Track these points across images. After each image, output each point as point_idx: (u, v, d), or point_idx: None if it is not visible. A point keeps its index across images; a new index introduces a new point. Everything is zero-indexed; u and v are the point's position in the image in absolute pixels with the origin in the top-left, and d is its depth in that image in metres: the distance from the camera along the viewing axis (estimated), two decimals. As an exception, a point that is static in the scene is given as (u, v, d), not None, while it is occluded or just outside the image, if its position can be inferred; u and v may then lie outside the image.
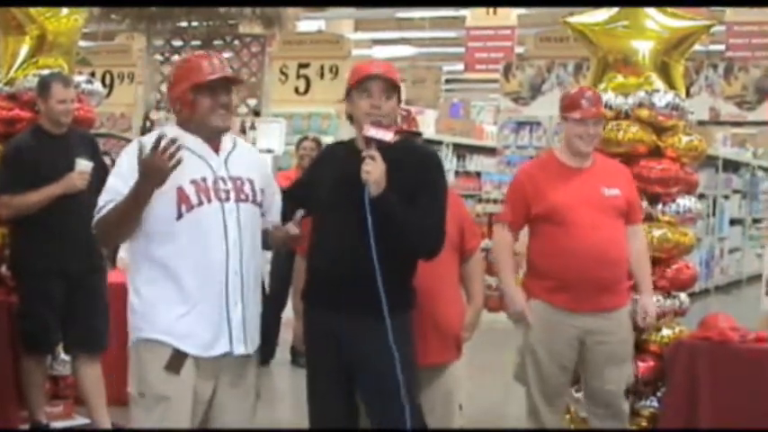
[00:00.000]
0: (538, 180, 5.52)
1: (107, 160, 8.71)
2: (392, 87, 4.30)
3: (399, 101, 4.37)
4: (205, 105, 4.13)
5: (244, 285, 4.17)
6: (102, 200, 4.10)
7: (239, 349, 4.17)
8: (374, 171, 4.09)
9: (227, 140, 4.25)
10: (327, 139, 11.76)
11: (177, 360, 4.05)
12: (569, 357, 5.44)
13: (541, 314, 5.45)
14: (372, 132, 4.18)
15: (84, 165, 6.11)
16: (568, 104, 5.50)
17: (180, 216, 4.04)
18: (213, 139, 4.19)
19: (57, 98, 6.13)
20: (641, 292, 5.59)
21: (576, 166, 5.47)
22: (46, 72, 6.58)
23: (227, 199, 4.12)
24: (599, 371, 5.45)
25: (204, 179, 4.10)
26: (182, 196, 4.04)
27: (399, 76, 4.37)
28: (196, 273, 4.06)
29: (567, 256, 5.32)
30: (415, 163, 4.27)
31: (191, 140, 4.13)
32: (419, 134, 5.19)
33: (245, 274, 4.17)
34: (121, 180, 4.03)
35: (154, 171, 3.87)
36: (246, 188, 4.20)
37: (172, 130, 4.16)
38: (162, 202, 4.01)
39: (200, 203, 4.06)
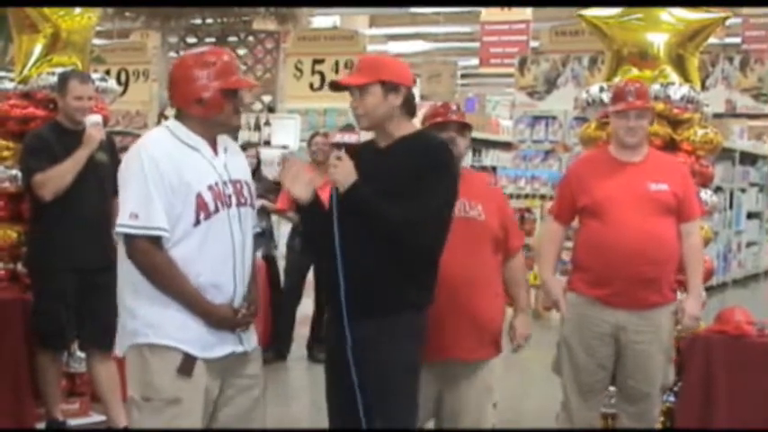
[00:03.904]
0: (585, 173, 5.53)
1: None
2: (366, 85, 4.29)
3: (389, 95, 4.27)
4: (230, 107, 4.13)
5: (246, 287, 4.19)
6: (150, 220, 3.97)
7: (244, 347, 4.19)
8: (336, 171, 4.09)
9: (219, 140, 4.22)
10: (342, 135, 11.75)
11: (188, 363, 4.02)
12: (605, 354, 5.39)
13: (576, 307, 5.45)
14: (338, 138, 4.29)
15: (93, 118, 6.14)
16: (613, 96, 5.55)
17: (197, 223, 4.02)
18: (213, 139, 4.17)
19: (73, 94, 6.14)
20: (687, 293, 5.47)
21: (624, 159, 5.42)
22: (60, 70, 6.60)
23: (230, 204, 4.11)
24: (631, 369, 5.39)
25: (217, 184, 4.09)
26: (200, 203, 4.02)
27: (379, 72, 4.29)
28: (205, 277, 4.05)
29: (605, 250, 5.29)
30: (417, 152, 4.25)
31: (197, 141, 4.12)
32: (468, 126, 5.00)
33: (247, 276, 4.19)
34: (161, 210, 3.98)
35: (223, 322, 4.07)
36: (245, 191, 4.20)
37: (179, 129, 4.13)
38: (183, 208, 3.99)
39: (217, 210, 4.05)
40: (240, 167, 4.25)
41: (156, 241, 3.98)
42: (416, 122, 4.53)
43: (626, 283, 5.26)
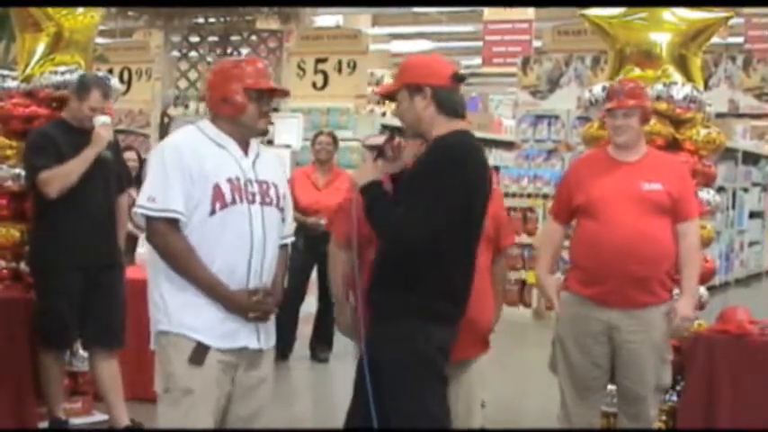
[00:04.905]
0: (582, 172, 5.54)
1: (133, 154, 8.89)
2: (395, 92, 4.35)
3: (414, 98, 4.26)
4: (254, 109, 4.24)
5: (263, 283, 4.23)
6: (163, 202, 4.10)
7: (260, 345, 4.25)
8: (355, 172, 4.24)
9: (253, 145, 4.33)
10: (345, 135, 11.75)
11: (200, 352, 4.09)
12: (599, 353, 5.38)
13: (570, 305, 5.45)
14: (370, 141, 4.43)
15: (102, 118, 6.15)
16: (607, 95, 5.59)
17: (213, 213, 4.11)
18: (245, 141, 4.28)
19: (90, 104, 6.12)
20: (681, 293, 5.43)
21: (621, 159, 5.43)
22: (63, 68, 6.65)
23: (254, 201, 4.20)
24: (626, 369, 5.38)
25: (238, 179, 4.18)
26: (217, 194, 4.11)
27: (403, 76, 4.33)
28: (220, 270, 4.11)
29: (598, 249, 5.29)
30: (427, 154, 4.25)
31: (226, 140, 4.23)
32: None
33: (265, 276, 4.24)
34: (181, 195, 4.10)
35: (239, 307, 4.12)
36: (271, 192, 4.28)
37: (208, 127, 4.26)
38: (201, 197, 4.09)
39: (234, 202, 4.14)
40: (271, 170, 4.35)
41: (174, 225, 4.10)
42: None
43: (617, 282, 5.25)
